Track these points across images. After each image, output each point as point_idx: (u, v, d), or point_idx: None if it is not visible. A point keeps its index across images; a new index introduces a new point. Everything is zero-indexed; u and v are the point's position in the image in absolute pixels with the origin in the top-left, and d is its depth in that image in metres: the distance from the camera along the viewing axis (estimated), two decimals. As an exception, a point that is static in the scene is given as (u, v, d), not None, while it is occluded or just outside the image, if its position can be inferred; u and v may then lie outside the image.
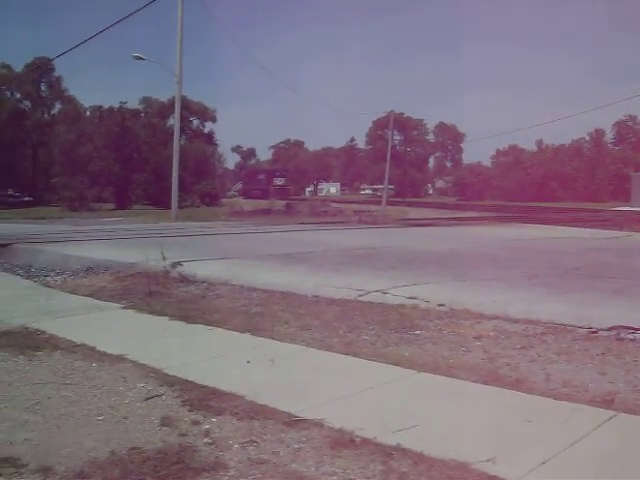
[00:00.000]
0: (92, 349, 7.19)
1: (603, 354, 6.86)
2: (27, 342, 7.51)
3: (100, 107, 76.37)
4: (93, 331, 8.19)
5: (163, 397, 5.65)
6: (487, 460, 4.23)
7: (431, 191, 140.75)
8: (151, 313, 9.32)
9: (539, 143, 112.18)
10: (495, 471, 4.10)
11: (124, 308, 9.81)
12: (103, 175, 66.59)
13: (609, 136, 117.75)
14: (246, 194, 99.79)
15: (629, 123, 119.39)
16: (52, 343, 7.49)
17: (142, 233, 23.92)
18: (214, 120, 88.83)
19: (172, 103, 47.39)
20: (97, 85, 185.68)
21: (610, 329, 7.75)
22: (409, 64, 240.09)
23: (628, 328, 7.71)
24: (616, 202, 70.66)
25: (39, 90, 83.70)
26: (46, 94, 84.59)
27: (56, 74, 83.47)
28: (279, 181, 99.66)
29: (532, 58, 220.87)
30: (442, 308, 9.19)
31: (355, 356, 6.90)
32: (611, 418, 5.00)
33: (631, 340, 7.40)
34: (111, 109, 73.45)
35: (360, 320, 8.59)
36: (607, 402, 5.36)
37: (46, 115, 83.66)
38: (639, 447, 4.51)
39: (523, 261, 15.05)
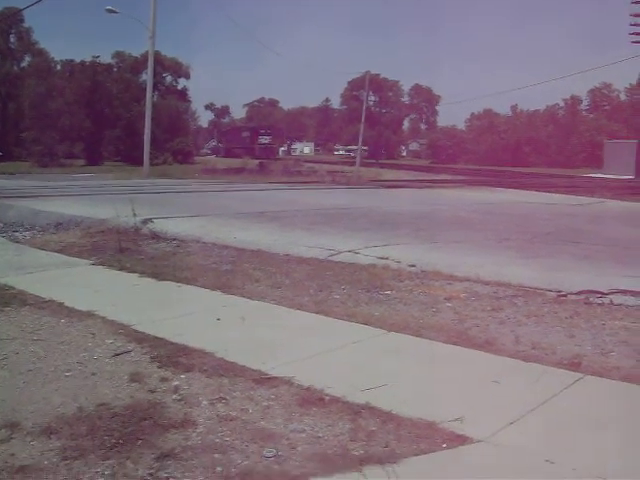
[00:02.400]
0: (61, 305, 7.14)
1: (571, 317, 6.93)
2: (-5, 297, 7.42)
3: (71, 61, 75.05)
4: (62, 287, 8.12)
5: (132, 353, 5.62)
6: (455, 419, 4.26)
7: (405, 153, 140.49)
8: (121, 270, 9.26)
9: (514, 108, 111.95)
10: (463, 430, 4.14)
11: (94, 264, 9.72)
12: (74, 130, 65.47)
13: (584, 103, 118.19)
14: (228, 152, 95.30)
15: (604, 91, 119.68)
16: (20, 299, 7.41)
17: (113, 190, 23.71)
18: (188, 76, 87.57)
19: (145, 58, 46.66)
20: (68, 38, 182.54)
21: (579, 293, 7.83)
22: (385, 26, 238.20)
23: (596, 292, 7.79)
24: (588, 169, 70.99)
25: (8, 42, 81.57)
26: (15, 46, 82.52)
27: (26, 25, 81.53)
28: (264, 139, 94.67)
29: (510, 24, 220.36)
30: (413, 269, 9.22)
31: (326, 315, 6.91)
32: (578, 380, 5.06)
33: (599, 304, 7.48)
34: (83, 63, 72.08)
35: (331, 279, 8.59)
36: (574, 364, 5.42)
37: (15, 68, 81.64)
38: (604, 408, 4.57)
39: (495, 224, 15.12)
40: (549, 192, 28.91)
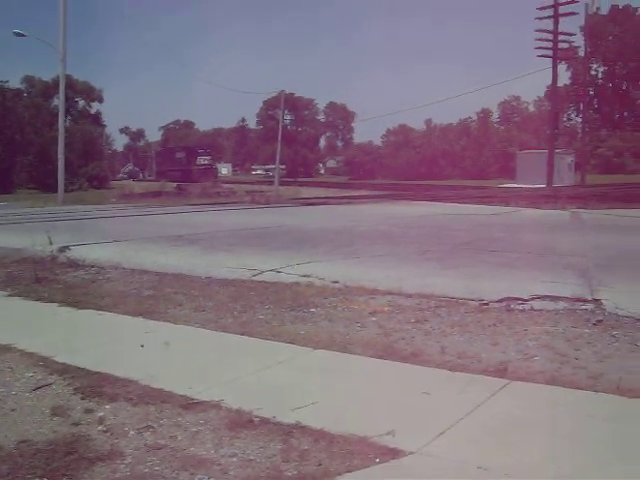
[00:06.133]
0: (-25, 340, 6.86)
1: (494, 325, 7.05)
2: None
3: (-22, 87, 72.96)
4: (-24, 321, 7.81)
5: (53, 386, 5.44)
6: (387, 433, 4.26)
7: (323, 171, 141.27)
8: (38, 300, 8.98)
9: (428, 122, 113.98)
10: (395, 443, 4.14)
11: (9, 296, 9.40)
12: (-17, 158, 63.66)
13: (495, 116, 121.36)
14: (161, 176, 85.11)
15: (513, 103, 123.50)
16: None
17: (27, 218, 23.08)
18: (101, 100, 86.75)
19: (56, 83, 45.81)
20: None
21: (500, 301, 7.98)
22: (298, 45, 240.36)
23: (517, 299, 7.96)
24: (502, 179, 72.57)
25: None
26: None
27: None
28: (203, 160, 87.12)
29: (421, 38, 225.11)
30: (336, 285, 9.24)
31: (251, 336, 6.85)
32: (504, 386, 5.14)
33: (520, 311, 7.64)
34: (-10, 89, 70.21)
35: (255, 300, 8.53)
36: (500, 371, 5.51)
37: None
38: (531, 412, 4.64)
39: (414, 237, 15.31)
40: (465, 203, 29.46)
